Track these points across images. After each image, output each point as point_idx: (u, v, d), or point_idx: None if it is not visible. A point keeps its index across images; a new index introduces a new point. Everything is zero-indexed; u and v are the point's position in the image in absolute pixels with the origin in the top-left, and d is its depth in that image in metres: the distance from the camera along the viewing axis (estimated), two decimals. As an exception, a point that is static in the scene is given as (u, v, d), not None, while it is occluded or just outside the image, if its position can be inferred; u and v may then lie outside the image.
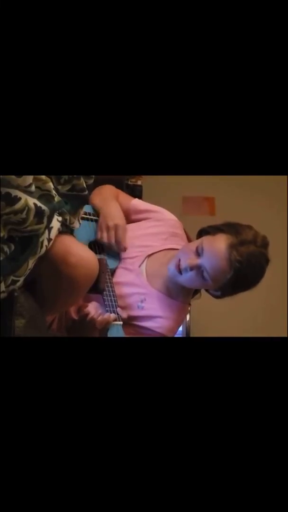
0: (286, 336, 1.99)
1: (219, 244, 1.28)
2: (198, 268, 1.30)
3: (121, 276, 1.43)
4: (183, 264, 1.32)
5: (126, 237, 1.45)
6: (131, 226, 1.53)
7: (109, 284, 1.35)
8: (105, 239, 1.42)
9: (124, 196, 1.59)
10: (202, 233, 1.39)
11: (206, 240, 1.31)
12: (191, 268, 1.30)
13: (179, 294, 1.43)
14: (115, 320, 1.29)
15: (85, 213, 1.45)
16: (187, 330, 2.30)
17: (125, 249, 1.44)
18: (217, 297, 1.39)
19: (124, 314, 1.34)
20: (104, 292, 1.32)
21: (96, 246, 1.45)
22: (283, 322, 2.47)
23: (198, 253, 1.30)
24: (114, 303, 1.32)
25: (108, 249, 1.45)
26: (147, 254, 1.46)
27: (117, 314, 1.31)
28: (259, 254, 1.29)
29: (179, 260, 1.33)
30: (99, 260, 1.21)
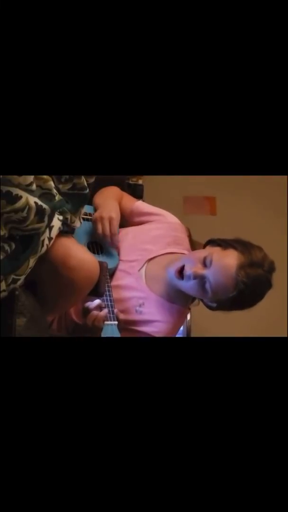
0: (286, 336, 1.99)
1: (229, 261, 1.26)
2: (202, 279, 1.28)
3: (120, 279, 1.42)
4: (188, 271, 1.30)
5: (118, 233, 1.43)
6: (133, 228, 1.52)
7: (107, 286, 1.35)
8: (99, 230, 1.40)
9: (128, 198, 1.58)
10: (210, 243, 1.37)
11: (216, 253, 1.29)
12: (195, 277, 1.29)
13: (178, 298, 1.41)
14: (105, 317, 1.29)
15: (85, 214, 1.45)
16: (188, 330, 2.30)
17: (116, 245, 1.43)
18: (210, 308, 1.38)
19: (121, 317, 1.33)
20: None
21: (95, 246, 1.44)
22: (283, 322, 2.47)
23: (205, 264, 1.28)
24: (111, 303, 1.32)
25: (102, 243, 1.43)
26: (147, 258, 1.44)
27: (114, 314, 1.30)
28: (264, 279, 1.28)
29: (183, 266, 1.32)
30: (100, 264, 1.21)
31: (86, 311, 1.29)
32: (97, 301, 1.29)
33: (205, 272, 1.28)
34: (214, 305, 1.35)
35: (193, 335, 2.30)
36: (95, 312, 1.28)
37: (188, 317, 2.25)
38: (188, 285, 1.32)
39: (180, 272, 1.32)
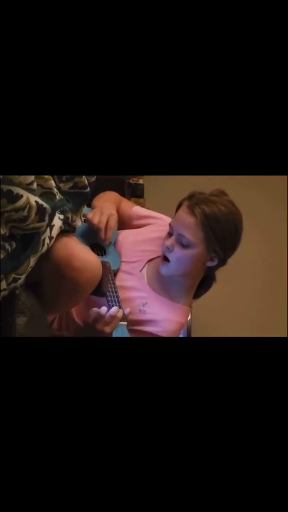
0: (286, 336, 1.99)
1: (178, 211, 1.36)
2: (176, 241, 1.34)
3: (123, 280, 1.44)
4: (163, 250, 1.37)
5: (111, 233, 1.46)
6: (133, 231, 1.56)
7: (112, 285, 1.35)
8: (95, 221, 1.41)
9: (126, 203, 1.63)
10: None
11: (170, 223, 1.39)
12: (169, 247, 1.35)
13: (180, 297, 1.44)
14: (123, 317, 1.30)
15: (85, 215, 1.44)
16: (188, 330, 2.30)
17: (109, 240, 1.44)
18: (218, 265, 1.40)
19: (128, 315, 1.35)
20: (108, 293, 1.32)
21: (98, 248, 1.45)
22: (283, 322, 2.47)
23: (170, 234, 1.36)
24: (119, 304, 1.32)
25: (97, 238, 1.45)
26: (148, 259, 1.48)
27: (123, 313, 1.31)
28: (215, 199, 1.35)
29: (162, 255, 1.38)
30: (103, 263, 1.22)
31: (98, 317, 1.29)
32: (113, 309, 1.30)
33: (173, 236, 1.35)
34: (215, 259, 1.37)
35: (193, 335, 2.29)
36: (107, 318, 1.28)
37: (189, 317, 2.25)
38: (175, 258, 1.36)
39: (164, 259, 1.37)
